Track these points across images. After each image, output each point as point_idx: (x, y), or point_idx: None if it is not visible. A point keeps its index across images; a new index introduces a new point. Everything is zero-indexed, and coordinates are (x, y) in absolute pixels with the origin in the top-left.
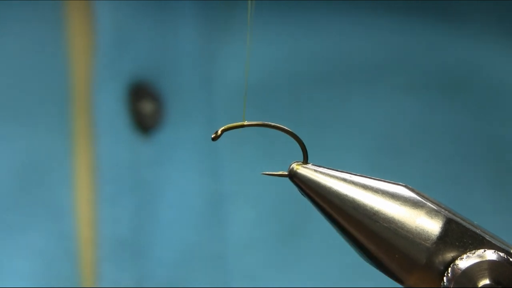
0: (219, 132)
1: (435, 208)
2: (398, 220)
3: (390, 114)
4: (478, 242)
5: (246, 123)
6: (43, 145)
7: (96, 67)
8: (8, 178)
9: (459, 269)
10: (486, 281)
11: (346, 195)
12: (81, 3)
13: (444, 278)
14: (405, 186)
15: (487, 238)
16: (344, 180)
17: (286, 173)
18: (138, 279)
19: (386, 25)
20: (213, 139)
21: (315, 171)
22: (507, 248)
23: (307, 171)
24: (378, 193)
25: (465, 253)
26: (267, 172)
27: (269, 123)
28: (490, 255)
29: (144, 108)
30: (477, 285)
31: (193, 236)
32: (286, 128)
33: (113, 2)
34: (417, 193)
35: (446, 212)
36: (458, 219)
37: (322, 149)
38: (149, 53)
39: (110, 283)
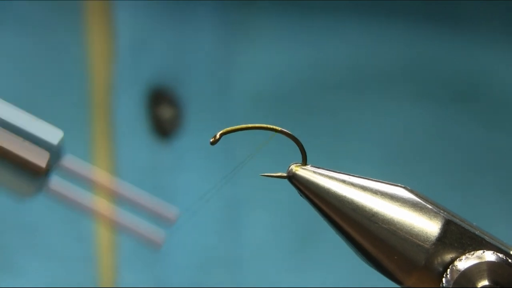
0: (218, 135)
1: (434, 209)
2: (397, 222)
3: (400, 122)
4: (477, 243)
5: (244, 126)
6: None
7: (116, 72)
8: None
9: (458, 270)
10: (485, 282)
11: (345, 196)
12: (100, 8)
13: (443, 279)
14: (404, 188)
15: (486, 239)
16: (343, 181)
17: (285, 174)
18: (156, 283)
19: (397, 34)
20: (212, 143)
21: (314, 172)
22: (506, 249)
23: (306, 172)
24: (377, 194)
25: (464, 254)
26: (266, 174)
27: (267, 125)
28: (489, 256)
29: (163, 113)
30: (476, 286)
31: (210, 240)
32: (284, 130)
33: (133, 7)
34: (416, 195)
35: (445, 213)
36: (457, 220)
37: (331, 157)
38: (168, 59)
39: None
